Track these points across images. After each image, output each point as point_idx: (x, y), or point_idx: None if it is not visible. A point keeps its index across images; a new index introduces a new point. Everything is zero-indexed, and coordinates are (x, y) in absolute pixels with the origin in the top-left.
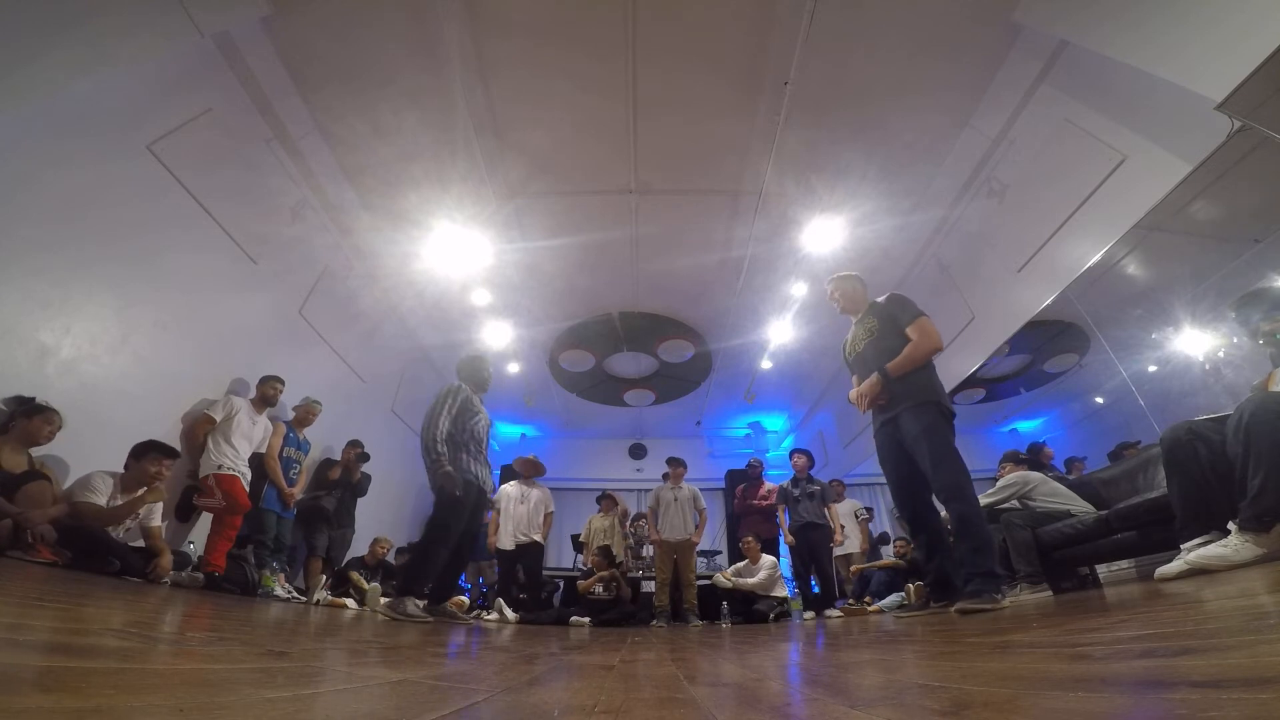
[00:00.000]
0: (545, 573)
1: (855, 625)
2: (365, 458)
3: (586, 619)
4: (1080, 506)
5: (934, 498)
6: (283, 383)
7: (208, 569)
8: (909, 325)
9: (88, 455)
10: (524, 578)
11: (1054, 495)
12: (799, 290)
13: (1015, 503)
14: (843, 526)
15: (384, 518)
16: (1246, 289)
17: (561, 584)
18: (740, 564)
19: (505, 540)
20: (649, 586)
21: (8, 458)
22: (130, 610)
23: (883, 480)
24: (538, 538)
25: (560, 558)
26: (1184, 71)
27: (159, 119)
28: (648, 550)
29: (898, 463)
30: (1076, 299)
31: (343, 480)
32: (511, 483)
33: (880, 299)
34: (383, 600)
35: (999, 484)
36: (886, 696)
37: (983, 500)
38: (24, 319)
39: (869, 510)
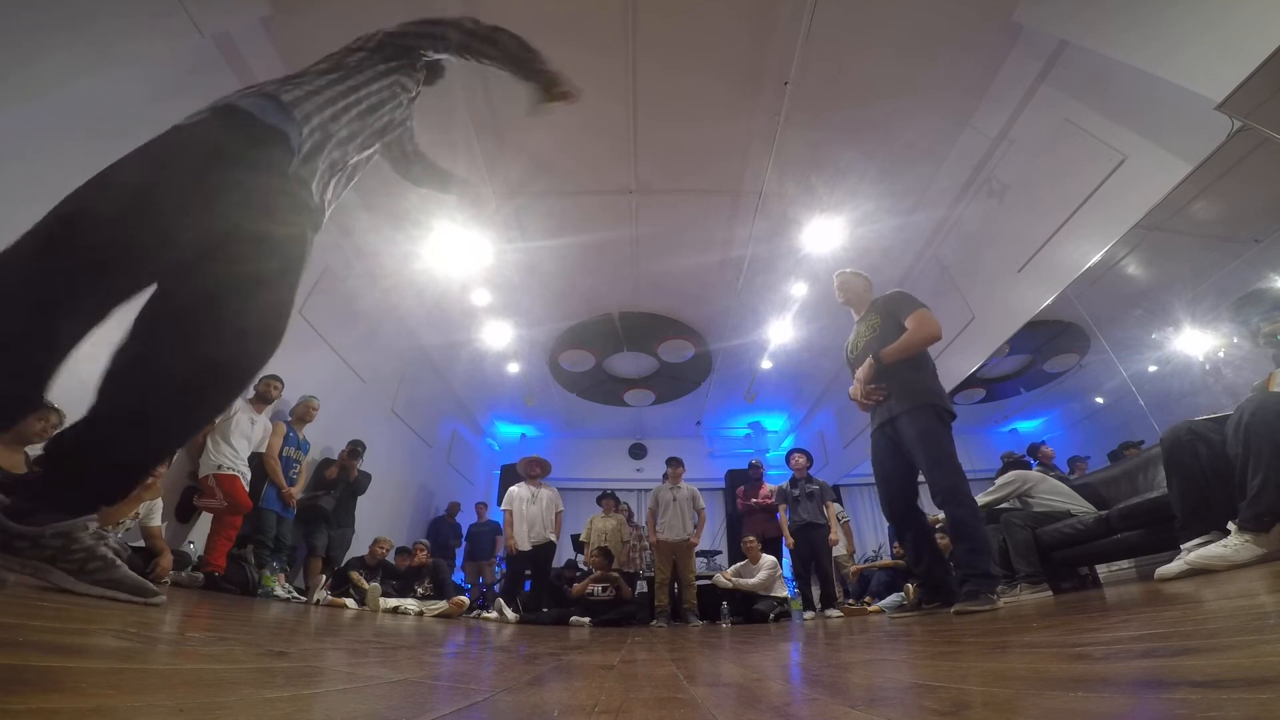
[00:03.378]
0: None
1: (855, 625)
2: (358, 453)
3: (586, 619)
4: (1080, 506)
5: (932, 500)
6: (282, 382)
7: (208, 569)
8: (908, 317)
9: None
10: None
11: (1054, 494)
12: (799, 290)
13: (1015, 502)
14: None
15: (384, 518)
16: (1246, 289)
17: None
18: (740, 564)
19: (523, 541)
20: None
21: (3, 455)
22: (130, 610)
23: None
24: (552, 537)
25: (560, 558)
26: (1184, 71)
27: (159, 119)
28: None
29: (891, 464)
30: (1076, 299)
31: (341, 479)
32: (519, 484)
33: (883, 295)
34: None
35: (998, 483)
36: (886, 696)
37: (981, 499)
38: None
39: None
